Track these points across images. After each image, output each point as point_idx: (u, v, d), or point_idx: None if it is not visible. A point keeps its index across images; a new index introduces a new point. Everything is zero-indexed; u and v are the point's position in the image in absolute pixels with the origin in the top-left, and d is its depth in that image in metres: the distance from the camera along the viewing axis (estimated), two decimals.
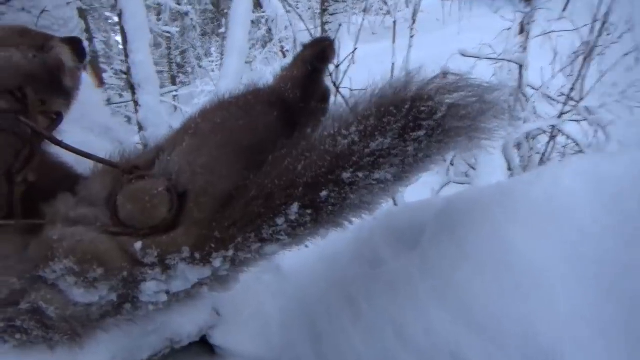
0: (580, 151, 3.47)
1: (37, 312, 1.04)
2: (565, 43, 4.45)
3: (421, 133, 1.04)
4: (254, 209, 1.09)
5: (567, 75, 4.06)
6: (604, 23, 3.49)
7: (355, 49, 2.56)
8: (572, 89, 3.59)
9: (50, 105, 1.23)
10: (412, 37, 6.48)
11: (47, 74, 1.22)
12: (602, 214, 0.98)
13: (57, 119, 1.24)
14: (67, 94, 1.28)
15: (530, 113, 3.56)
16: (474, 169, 3.86)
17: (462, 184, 3.60)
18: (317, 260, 1.52)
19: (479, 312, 1.04)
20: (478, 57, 3.18)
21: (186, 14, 13.67)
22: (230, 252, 1.10)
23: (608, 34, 3.99)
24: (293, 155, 1.12)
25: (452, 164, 4.22)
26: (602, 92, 4.08)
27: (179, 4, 12.58)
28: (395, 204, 2.14)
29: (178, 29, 12.82)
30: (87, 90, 1.75)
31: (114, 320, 1.13)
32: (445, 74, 1.11)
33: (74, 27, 3.13)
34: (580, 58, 3.67)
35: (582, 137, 3.64)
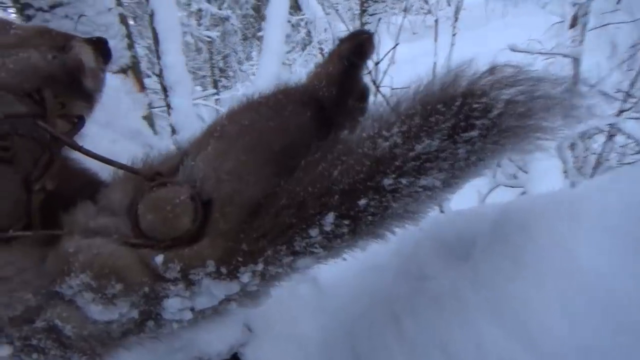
0: None
1: (53, 330, 0.97)
2: (622, 35, 4.17)
3: (474, 133, 0.95)
4: (284, 219, 1.01)
5: (626, 70, 3.79)
6: None
7: (397, 44, 2.42)
8: (631, 85, 3.34)
9: (71, 108, 1.17)
10: (454, 35, 6.31)
11: (66, 76, 1.16)
12: None
13: (78, 122, 1.17)
14: (88, 96, 1.22)
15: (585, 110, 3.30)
16: (523, 171, 3.65)
17: (513, 187, 3.39)
18: (357, 274, 1.43)
19: (535, 329, 0.95)
20: (529, 53, 2.98)
21: (227, 18, 13.86)
22: (260, 266, 1.02)
23: None
24: (328, 159, 1.04)
25: (498, 165, 4.02)
26: None
27: (219, 8, 12.75)
28: (442, 212, 2.00)
29: (219, 34, 12.99)
30: (117, 94, 1.71)
31: (137, 339, 1.06)
32: (500, 66, 0.98)
33: (116, 33, 3.15)
34: None
35: None
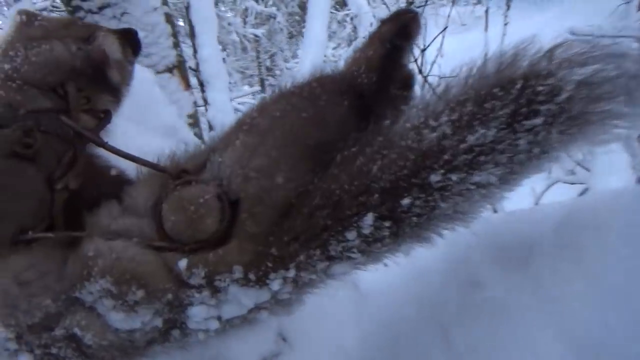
0: None
1: (73, 339, 0.93)
2: None
3: (537, 121, 0.84)
4: (319, 221, 0.93)
5: None
6: None
7: (446, 27, 2.27)
8: None
9: (96, 102, 1.12)
10: (506, 24, 6.03)
11: (90, 68, 1.11)
12: None
13: (104, 118, 1.12)
14: (114, 90, 1.16)
15: None
16: (582, 167, 3.38)
17: (572, 184, 3.14)
18: (401, 280, 1.33)
19: (612, 353, 0.90)
20: (593, 36, 2.74)
21: (273, 17, 13.97)
22: (291, 273, 0.94)
23: None
24: (367, 153, 0.95)
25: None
26: None
27: (265, 6, 12.85)
28: (496, 212, 1.85)
29: (264, 32, 13.11)
30: (151, 88, 1.66)
31: (162, 348, 1.00)
32: (569, 42, 0.84)
33: (161, 32, 3.19)
34: None
35: None
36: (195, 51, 2.40)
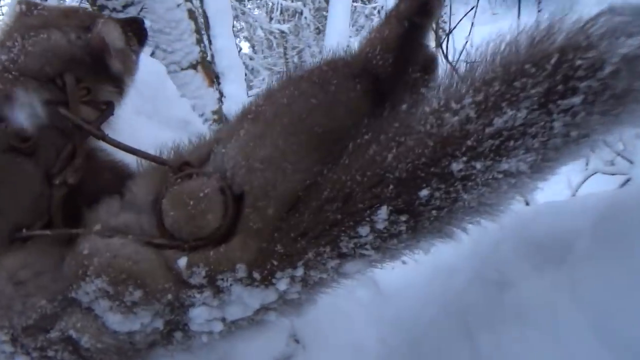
0: None
1: (69, 341, 0.88)
2: None
3: (576, 100, 0.76)
4: (328, 215, 0.87)
5: None
6: None
7: (473, 7, 2.14)
8: None
9: (97, 93, 1.07)
10: (539, 11, 5.85)
11: (89, 57, 1.06)
12: None
13: (106, 109, 1.07)
14: (117, 80, 1.11)
15: None
16: (624, 157, 3.19)
17: (612, 174, 2.95)
18: (424, 278, 1.29)
19: None
20: None
21: (300, 13, 13.98)
22: (299, 271, 0.88)
23: None
24: (381, 141, 0.88)
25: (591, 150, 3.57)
26: None
27: (291, 1, 12.86)
28: (527, 204, 1.74)
29: (289, 26, 13.13)
30: (163, 82, 1.62)
31: (165, 350, 0.95)
32: (616, 7, 0.75)
33: (185, 29, 3.18)
34: None
35: None
36: (210, 42, 2.36)
